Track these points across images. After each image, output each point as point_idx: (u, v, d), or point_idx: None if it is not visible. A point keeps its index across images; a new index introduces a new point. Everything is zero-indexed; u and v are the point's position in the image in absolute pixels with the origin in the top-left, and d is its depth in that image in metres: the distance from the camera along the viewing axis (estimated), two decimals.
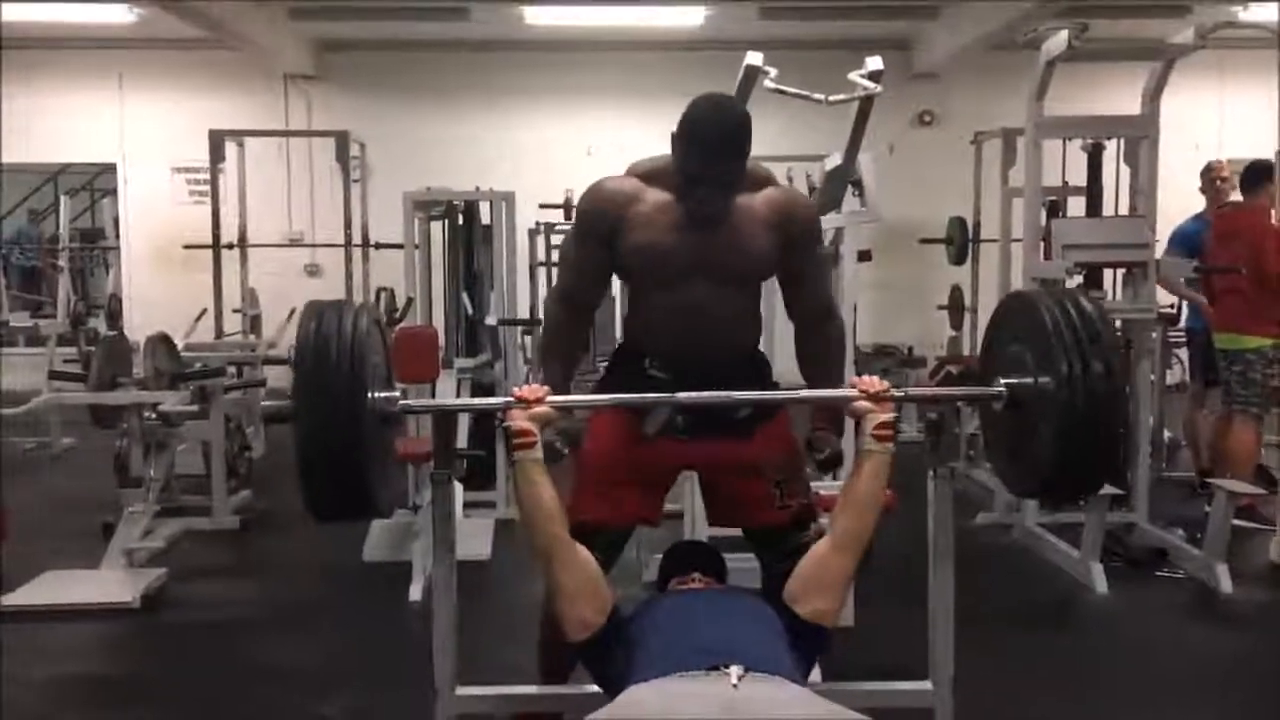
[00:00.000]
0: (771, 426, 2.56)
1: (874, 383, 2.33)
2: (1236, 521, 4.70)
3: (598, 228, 2.49)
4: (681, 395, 2.39)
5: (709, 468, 2.62)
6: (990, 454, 2.43)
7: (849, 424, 2.88)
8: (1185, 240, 5.95)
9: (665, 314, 2.50)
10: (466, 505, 5.32)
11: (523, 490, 2.24)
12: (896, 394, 2.33)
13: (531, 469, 2.22)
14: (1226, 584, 4.44)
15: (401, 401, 2.31)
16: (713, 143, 2.34)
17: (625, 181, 2.50)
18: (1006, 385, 2.28)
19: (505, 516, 5.38)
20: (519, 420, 2.25)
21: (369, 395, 2.15)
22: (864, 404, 2.30)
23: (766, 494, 2.53)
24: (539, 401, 2.28)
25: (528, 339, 8.17)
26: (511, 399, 2.30)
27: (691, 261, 2.44)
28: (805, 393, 2.50)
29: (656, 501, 2.65)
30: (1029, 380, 2.20)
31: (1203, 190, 6.07)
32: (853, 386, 2.35)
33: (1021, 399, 2.24)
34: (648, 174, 2.49)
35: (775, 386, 2.66)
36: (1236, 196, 5.71)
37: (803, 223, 2.52)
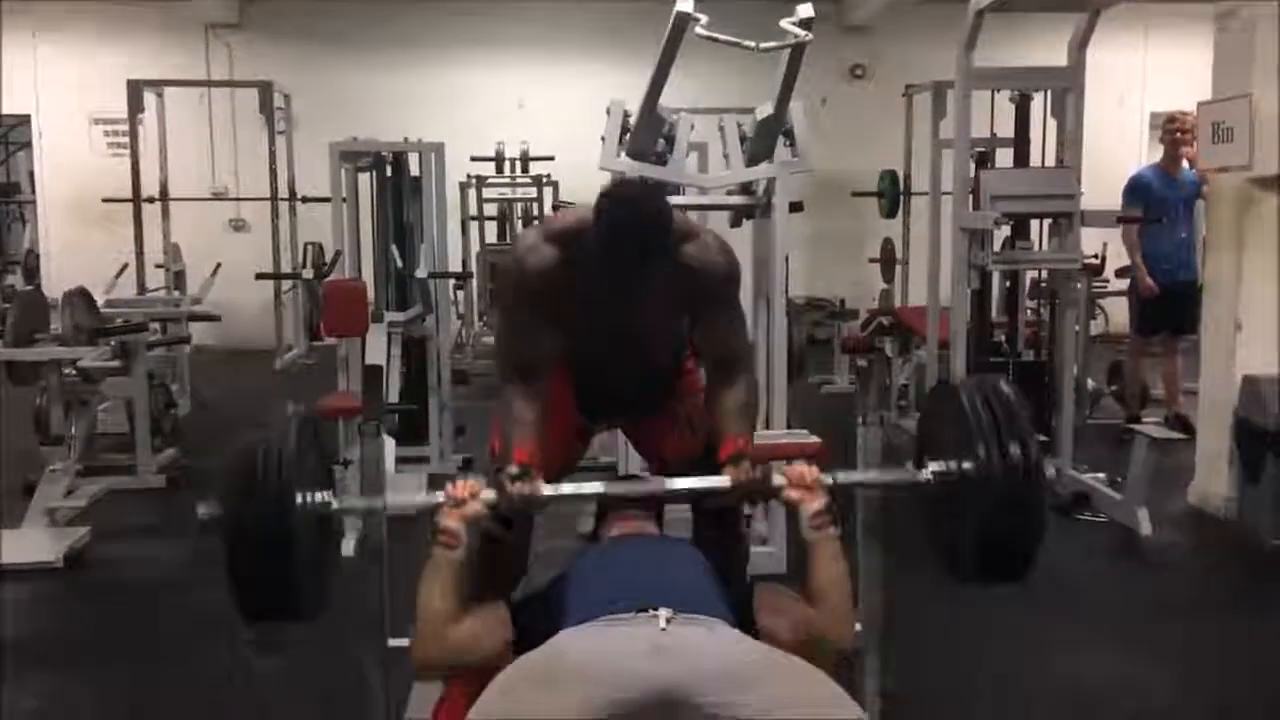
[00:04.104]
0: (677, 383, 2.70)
1: (805, 473, 2.26)
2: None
3: (526, 303, 2.42)
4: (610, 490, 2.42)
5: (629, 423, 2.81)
6: (932, 547, 2.40)
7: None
8: (1139, 190, 6.09)
9: (584, 368, 2.58)
10: (399, 460, 5.28)
11: (428, 582, 2.15)
12: (826, 480, 2.26)
13: (446, 568, 2.16)
14: (1147, 526, 4.57)
15: (335, 505, 2.24)
16: (637, 253, 2.24)
17: (542, 254, 2.37)
18: (933, 470, 2.27)
19: (439, 471, 5.36)
20: (449, 520, 2.19)
21: (300, 501, 2.08)
22: (795, 494, 2.25)
23: (679, 432, 2.65)
24: (471, 498, 2.22)
25: (459, 292, 8.09)
26: (441, 497, 2.23)
27: (611, 329, 2.44)
28: (730, 483, 2.32)
29: (576, 449, 2.77)
30: (952, 464, 2.19)
31: (1161, 141, 6.21)
32: (784, 476, 2.28)
33: (947, 481, 2.22)
34: (568, 232, 2.38)
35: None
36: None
37: (716, 280, 2.43)
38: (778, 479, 2.29)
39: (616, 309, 2.37)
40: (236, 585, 2.08)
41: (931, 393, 2.47)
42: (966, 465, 2.11)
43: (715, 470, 2.37)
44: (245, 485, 2.03)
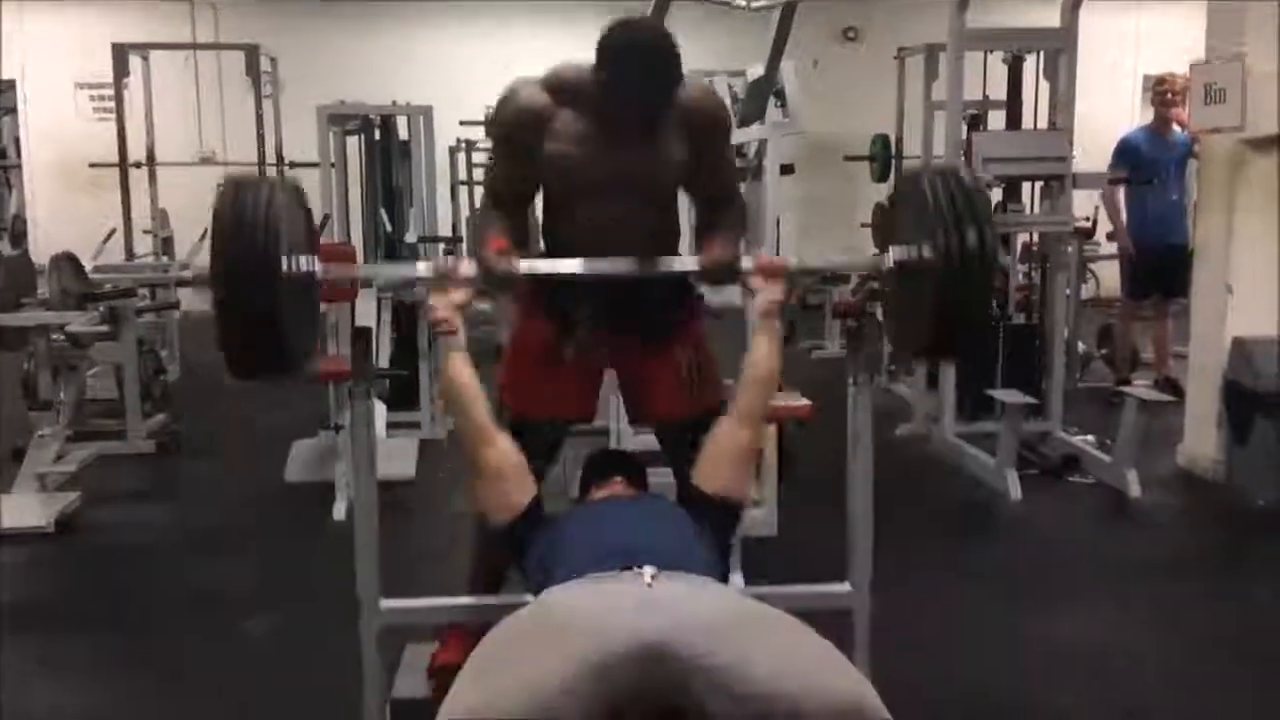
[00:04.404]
0: (689, 325, 2.61)
1: (773, 261, 2.41)
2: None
3: (515, 139, 2.44)
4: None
5: (629, 361, 2.62)
6: (885, 321, 2.57)
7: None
8: (1129, 152, 6.07)
9: (583, 230, 2.47)
10: (391, 425, 5.28)
11: (446, 375, 2.29)
12: (791, 263, 2.39)
13: (454, 355, 2.27)
14: (1135, 488, 4.59)
15: (319, 268, 2.28)
16: (643, 81, 2.25)
17: (539, 93, 2.40)
18: (895, 258, 2.34)
19: (430, 436, 5.36)
20: (439, 310, 2.28)
21: (286, 260, 2.11)
22: (758, 280, 2.37)
23: (678, 385, 2.56)
24: (456, 280, 2.30)
25: (449, 257, 8.04)
26: (426, 272, 2.35)
27: (610, 177, 2.40)
28: (695, 260, 2.45)
29: (589, 397, 2.69)
30: (914, 250, 2.27)
31: (1153, 103, 6.19)
32: (755, 261, 2.41)
33: (908, 268, 2.30)
34: (567, 84, 2.39)
35: (688, 292, 2.65)
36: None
37: (711, 119, 2.49)
38: (746, 263, 2.40)
39: (616, 152, 2.37)
40: (226, 340, 2.11)
41: (896, 182, 2.59)
42: (926, 251, 2.22)
43: (702, 439, 2.39)
44: (235, 239, 2.06)
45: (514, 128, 2.43)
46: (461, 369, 2.27)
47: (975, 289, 2.19)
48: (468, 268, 2.32)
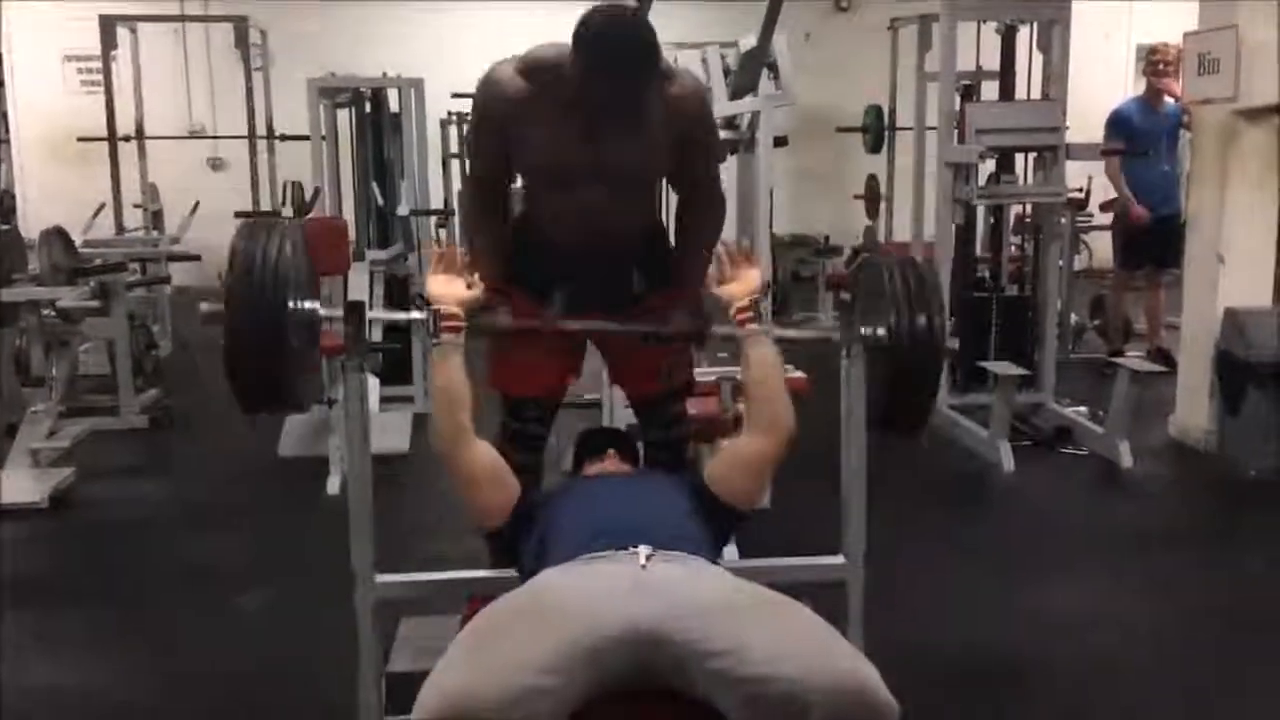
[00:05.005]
0: (664, 294, 2.59)
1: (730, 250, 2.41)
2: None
3: (493, 120, 2.44)
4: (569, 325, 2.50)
5: (604, 336, 2.67)
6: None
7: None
8: (1121, 123, 6.06)
9: (560, 215, 2.49)
10: (385, 399, 5.28)
11: (439, 373, 2.23)
12: (755, 278, 2.38)
13: (453, 354, 2.23)
14: (1127, 459, 4.61)
15: (321, 311, 2.40)
16: (620, 71, 2.23)
17: (516, 78, 2.38)
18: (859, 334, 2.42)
19: (423, 410, 5.35)
20: (446, 307, 2.26)
21: (290, 305, 2.26)
22: (726, 290, 2.35)
23: (653, 366, 2.62)
24: (454, 267, 2.30)
25: (441, 231, 8.03)
26: (426, 308, 2.32)
27: (588, 164, 2.39)
28: (663, 323, 2.51)
29: (574, 363, 2.75)
30: (870, 330, 2.39)
31: (1145, 73, 6.17)
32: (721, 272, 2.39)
33: (868, 345, 2.40)
34: (545, 67, 2.36)
35: (670, 255, 2.67)
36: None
37: (693, 114, 2.45)
38: (717, 326, 2.46)
39: (593, 140, 2.36)
40: (234, 378, 2.26)
41: (859, 264, 2.69)
42: (880, 331, 2.37)
43: (672, 413, 2.68)
44: (244, 284, 2.21)
45: (491, 113, 2.43)
46: (459, 369, 2.21)
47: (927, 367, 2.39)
48: (461, 292, 2.30)
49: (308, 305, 2.36)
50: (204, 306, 2.27)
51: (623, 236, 2.55)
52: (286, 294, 2.25)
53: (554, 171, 2.45)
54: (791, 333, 2.68)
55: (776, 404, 2.23)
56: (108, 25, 7.18)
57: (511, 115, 2.38)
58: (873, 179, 8.31)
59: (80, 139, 8.01)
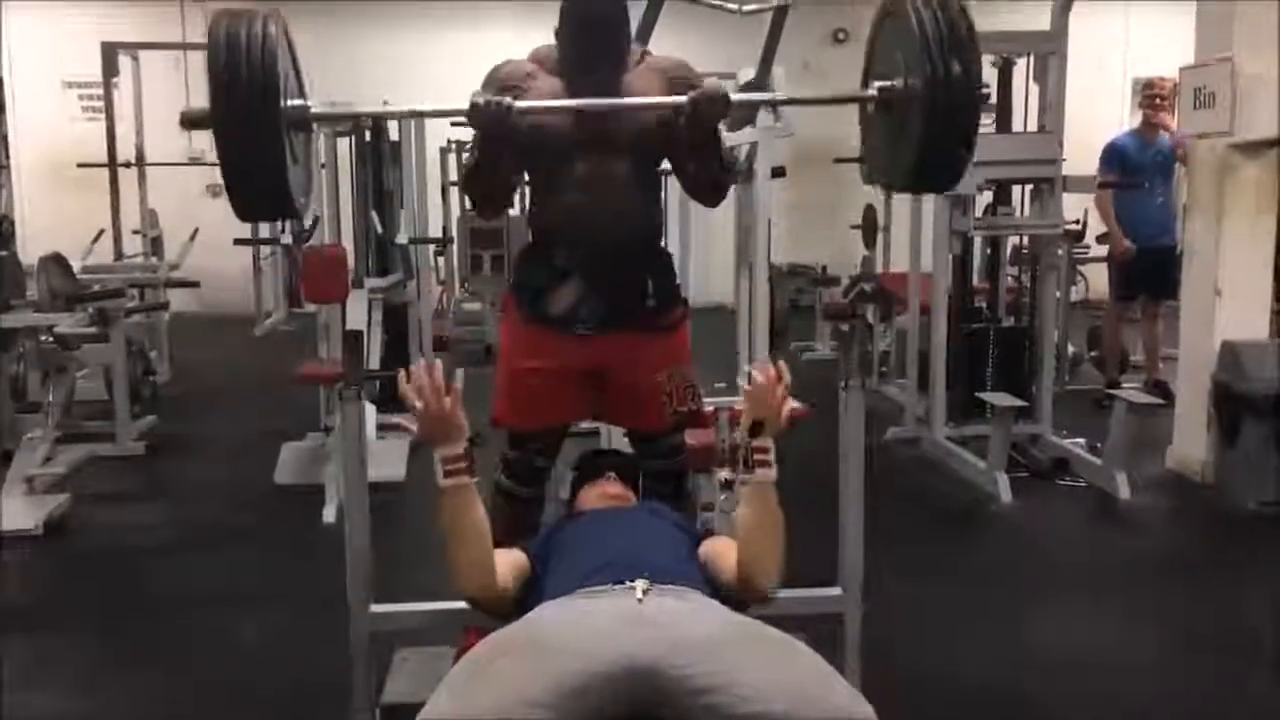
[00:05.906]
0: (675, 328, 2.66)
1: (770, 374, 2.15)
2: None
3: (497, 82, 2.55)
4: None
5: (615, 363, 2.61)
6: (868, 158, 2.68)
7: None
8: (1115, 156, 6.09)
9: (565, 191, 2.55)
10: (380, 427, 5.27)
11: (450, 516, 2.06)
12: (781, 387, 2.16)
13: (462, 493, 2.06)
14: (1125, 491, 4.60)
15: (312, 109, 2.32)
16: (590, 24, 2.48)
17: (521, 64, 2.59)
18: (879, 88, 2.37)
19: None
20: (446, 447, 2.07)
21: (282, 104, 2.14)
22: (753, 416, 2.14)
23: (657, 400, 2.63)
24: (434, 395, 2.07)
25: (440, 259, 8.04)
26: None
27: (585, 132, 2.49)
28: (687, 102, 2.41)
29: (581, 403, 2.71)
30: (899, 82, 2.30)
31: (1141, 106, 6.21)
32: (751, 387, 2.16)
33: (891, 101, 2.34)
34: (544, 58, 2.59)
35: (674, 280, 2.71)
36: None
37: (678, 65, 2.61)
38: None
39: (590, 112, 2.48)
40: (230, 182, 2.15)
41: (880, 9, 2.54)
42: (912, 80, 2.24)
43: (671, 444, 2.69)
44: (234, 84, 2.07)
45: (496, 75, 2.58)
46: (472, 507, 2.06)
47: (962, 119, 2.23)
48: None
49: (297, 103, 2.25)
50: (186, 109, 2.12)
51: (626, 218, 2.57)
52: (278, 92, 2.10)
53: (551, 144, 2.52)
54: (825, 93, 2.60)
55: (765, 562, 2.07)
56: (109, 52, 7.24)
57: (514, 76, 2.56)
58: (870, 209, 8.33)
59: (80, 165, 8.03)
